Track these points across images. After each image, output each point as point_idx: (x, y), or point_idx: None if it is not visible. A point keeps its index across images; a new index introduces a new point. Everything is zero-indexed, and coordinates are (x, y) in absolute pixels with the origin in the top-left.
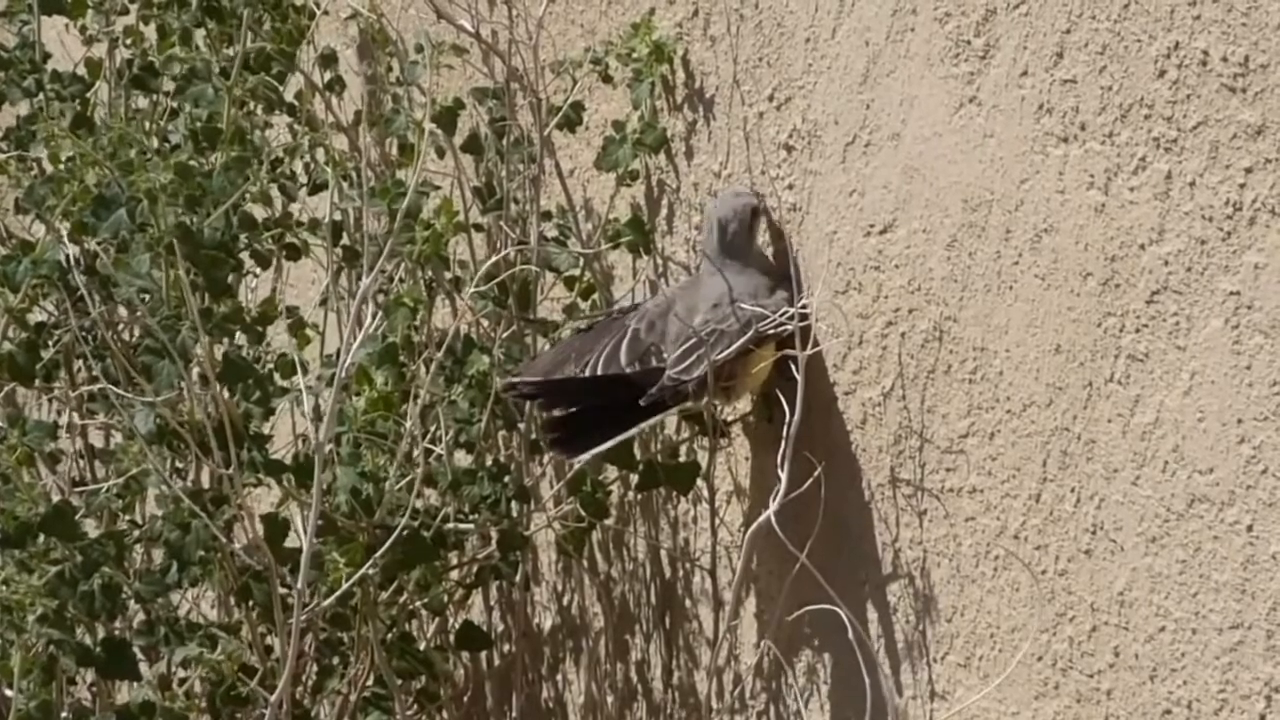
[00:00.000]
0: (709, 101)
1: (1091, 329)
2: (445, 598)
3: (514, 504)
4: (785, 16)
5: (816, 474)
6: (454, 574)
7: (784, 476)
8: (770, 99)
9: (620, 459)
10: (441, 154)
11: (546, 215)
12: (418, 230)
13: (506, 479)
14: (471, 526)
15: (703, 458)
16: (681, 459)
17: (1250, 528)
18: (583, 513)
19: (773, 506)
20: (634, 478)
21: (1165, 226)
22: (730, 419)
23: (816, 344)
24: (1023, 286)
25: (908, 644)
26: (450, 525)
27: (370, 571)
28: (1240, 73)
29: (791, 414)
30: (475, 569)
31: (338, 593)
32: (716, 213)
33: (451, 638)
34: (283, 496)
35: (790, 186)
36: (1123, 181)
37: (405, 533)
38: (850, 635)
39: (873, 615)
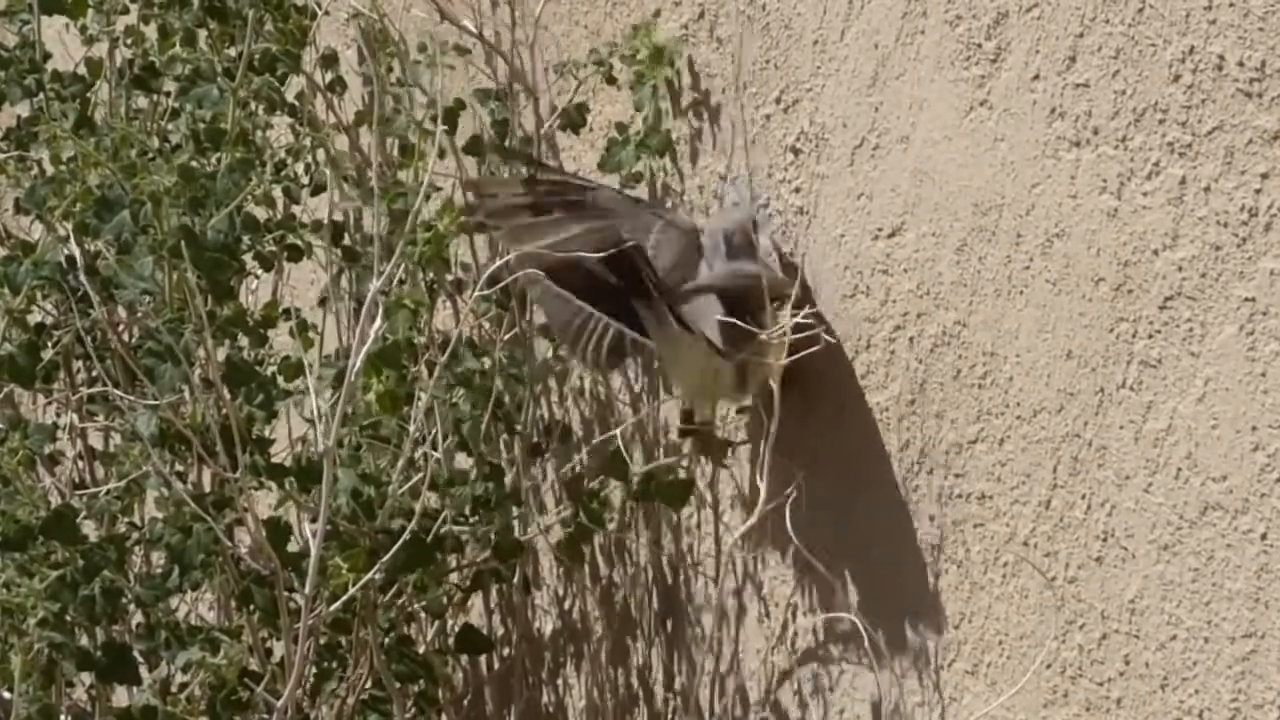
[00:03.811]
0: (715, 104)
1: (1103, 334)
2: (444, 600)
3: (509, 507)
4: (793, 18)
5: (821, 480)
6: (453, 577)
7: (763, 486)
8: (777, 101)
9: (613, 468)
10: (443, 155)
11: None
12: (419, 232)
13: (504, 480)
14: (469, 529)
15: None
16: (679, 476)
17: (1264, 536)
18: (583, 519)
19: (783, 511)
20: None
21: (1179, 232)
22: (732, 413)
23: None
24: (1033, 291)
25: (914, 651)
26: (448, 528)
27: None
28: (1257, 77)
29: (769, 421)
30: (474, 572)
31: (343, 598)
32: (721, 222)
33: (451, 641)
34: (281, 498)
35: (797, 190)
36: (1136, 186)
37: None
38: (856, 641)
39: (879, 622)
